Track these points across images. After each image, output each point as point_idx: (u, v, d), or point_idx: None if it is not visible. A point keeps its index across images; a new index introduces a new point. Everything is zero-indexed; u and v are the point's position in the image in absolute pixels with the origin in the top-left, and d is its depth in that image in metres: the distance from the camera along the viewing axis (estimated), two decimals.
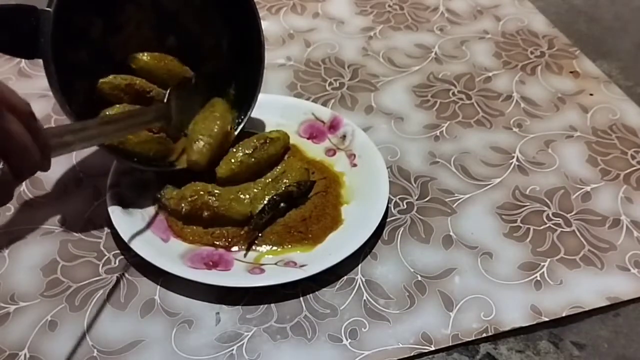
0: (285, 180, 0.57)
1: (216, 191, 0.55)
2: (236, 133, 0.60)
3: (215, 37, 0.61)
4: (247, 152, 0.58)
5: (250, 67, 0.61)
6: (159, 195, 0.55)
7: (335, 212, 0.56)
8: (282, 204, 0.55)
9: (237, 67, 0.61)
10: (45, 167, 0.38)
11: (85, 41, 0.54)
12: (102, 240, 0.54)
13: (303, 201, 0.57)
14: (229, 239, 0.54)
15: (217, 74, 0.61)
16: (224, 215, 0.54)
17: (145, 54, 0.57)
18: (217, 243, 0.53)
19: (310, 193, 0.58)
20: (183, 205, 0.54)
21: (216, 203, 0.54)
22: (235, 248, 0.53)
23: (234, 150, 0.58)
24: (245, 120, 0.61)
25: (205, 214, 0.54)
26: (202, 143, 0.57)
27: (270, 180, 0.58)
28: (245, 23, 0.59)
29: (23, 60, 0.73)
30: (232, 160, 0.57)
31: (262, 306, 0.50)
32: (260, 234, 0.54)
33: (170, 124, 0.56)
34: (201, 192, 0.54)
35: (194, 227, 0.54)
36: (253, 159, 0.58)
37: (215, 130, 0.58)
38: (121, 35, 0.56)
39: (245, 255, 0.53)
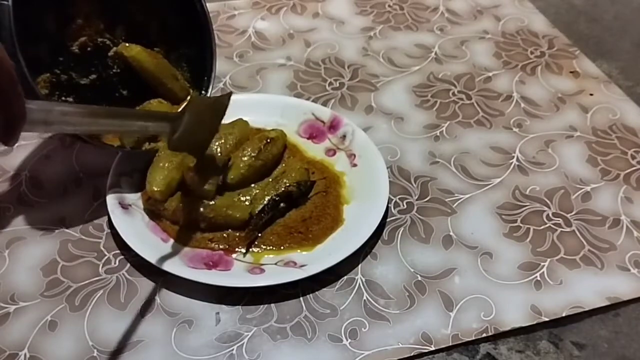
0: (285, 181, 0.57)
1: (210, 202, 0.54)
2: None
3: (161, 21, 0.62)
4: (253, 155, 0.58)
5: (201, 43, 0.61)
6: (152, 206, 0.55)
7: (335, 212, 0.56)
8: (281, 204, 0.55)
9: (187, 47, 0.63)
10: (9, 141, 0.32)
11: (42, 34, 0.55)
12: (102, 240, 0.54)
13: (303, 201, 0.57)
14: (229, 242, 0.54)
15: (167, 57, 0.63)
16: (222, 224, 0.54)
17: (137, 45, 0.60)
18: (217, 246, 0.53)
19: (310, 193, 0.58)
20: (179, 217, 0.54)
21: (212, 214, 0.54)
22: (235, 252, 0.53)
23: (240, 154, 0.58)
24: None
25: (202, 224, 0.54)
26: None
27: (270, 180, 0.58)
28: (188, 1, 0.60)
29: None
30: (241, 165, 0.57)
31: (262, 306, 0.50)
32: (259, 234, 0.54)
33: (172, 136, 0.49)
34: (195, 204, 0.54)
35: (193, 232, 0.54)
36: (260, 161, 0.58)
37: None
38: (73, 27, 0.58)
39: (244, 255, 0.53)
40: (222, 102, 0.53)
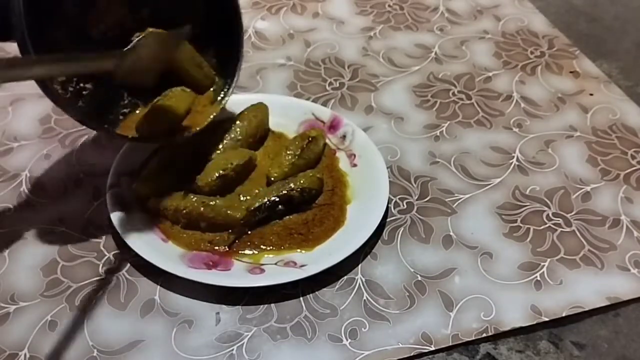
0: (291, 185, 0.56)
1: (211, 202, 0.54)
2: (224, 103, 0.60)
3: (187, 6, 0.60)
4: (296, 153, 0.59)
5: (230, 32, 0.59)
6: (152, 206, 0.55)
7: (339, 213, 0.56)
8: (279, 207, 0.55)
9: (215, 34, 0.60)
10: None
11: (59, 20, 0.52)
12: (102, 240, 0.54)
13: (306, 208, 0.56)
14: (229, 244, 0.53)
15: (193, 41, 0.60)
16: (222, 224, 0.54)
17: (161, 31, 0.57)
18: (217, 248, 0.53)
19: (315, 201, 0.57)
20: (180, 217, 0.54)
21: (212, 214, 0.54)
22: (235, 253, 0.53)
23: (283, 153, 0.59)
24: (232, 89, 0.60)
25: (202, 224, 0.54)
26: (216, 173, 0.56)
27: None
28: None
29: None
30: (285, 163, 0.58)
31: (262, 306, 0.50)
32: (249, 232, 0.54)
33: (119, 69, 0.49)
34: (195, 204, 0.54)
35: (193, 232, 0.54)
36: (302, 160, 0.59)
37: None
38: (95, 11, 0.56)
39: (229, 247, 0.53)
40: (177, 36, 0.53)
